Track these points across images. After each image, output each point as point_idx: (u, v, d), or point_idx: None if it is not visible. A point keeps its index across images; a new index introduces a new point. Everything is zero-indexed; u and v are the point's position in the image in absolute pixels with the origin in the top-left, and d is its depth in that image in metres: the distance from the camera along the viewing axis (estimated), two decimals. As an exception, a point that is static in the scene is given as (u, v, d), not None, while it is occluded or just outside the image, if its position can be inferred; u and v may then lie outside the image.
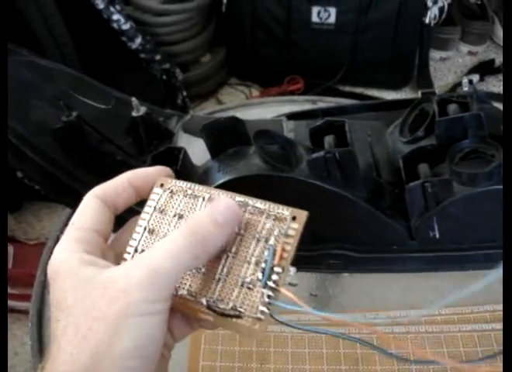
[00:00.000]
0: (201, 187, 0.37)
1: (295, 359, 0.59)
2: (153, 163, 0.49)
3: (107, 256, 0.35)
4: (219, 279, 0.34)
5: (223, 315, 0.34)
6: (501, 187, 0.56)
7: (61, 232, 0.77)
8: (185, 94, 1.55)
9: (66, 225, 0.78)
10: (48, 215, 1.48)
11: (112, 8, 1.32)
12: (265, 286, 0.33)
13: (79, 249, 0.33)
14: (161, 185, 0.38)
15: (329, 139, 0.60)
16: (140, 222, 0.37)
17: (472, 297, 0.61)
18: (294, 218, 0.34)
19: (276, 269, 0.33)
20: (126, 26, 1.35)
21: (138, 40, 1.39)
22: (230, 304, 0.34)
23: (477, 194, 0.57)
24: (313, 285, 0.66)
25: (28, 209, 1.49)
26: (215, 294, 0.34)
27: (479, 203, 0.57)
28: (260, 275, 0.33)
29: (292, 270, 0.33)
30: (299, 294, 0.64)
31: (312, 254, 0.64)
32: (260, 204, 0.35)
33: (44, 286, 0.72)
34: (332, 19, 1.61)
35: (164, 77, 1.49)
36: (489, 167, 0.57)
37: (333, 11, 1.60)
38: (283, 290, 0.33)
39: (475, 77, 1.74)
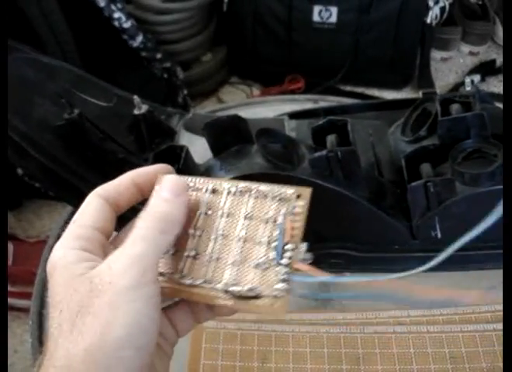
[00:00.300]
0: (201, 179, 0.38)
1: (297, 358, 0.59)
2: (156, 161, 0.48)
3: (109, 254, 0.35)
4: (234, 263, 0.35)
5: (241, 297, 0.34)
6: (503, 187, 0.55)
7: (62, 229, 0.77)
8: (185, 92, 1.55)
9: (67, 223, 0.77)
10: (48, 213, 1.48)
11: (113, 6, 1.32)
12: (280, 264, 0.33)
13: (78, 246, 0.34)
14: None
15: (331, 139, 0.60)
16: None
17: (473, 297, 0.61)
18: (299, 196, 0.35)
19: (288, 246, 0.34)
20: (127, 24, 1.35)
21: (139, 39, 1.39)
22: (248, 286, 0.34)
23: (479, 194, 0.57)
24: (315, 284, 0.66)
25: (28, 207, 1.49)
26: (230, 278, 0.34)
27: (482, 203, 0.56)
28: (273, 254, 0.34)
29: (304, 245, 0.34)
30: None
31: (313, 253, 0.64)
32: (263, 187, 0.36)
33: (45, 284, 0.71)
34: (333, 19, 1.61)
35: (165, 75, 1.49)
36: (491, 166, 0.57)
37: (334, 10, 1.60)
38: (298, 264, 0.33)
39: (476, 78, 1.74)
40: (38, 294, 0.70)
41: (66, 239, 0.34)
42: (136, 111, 0.66)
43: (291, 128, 0.73)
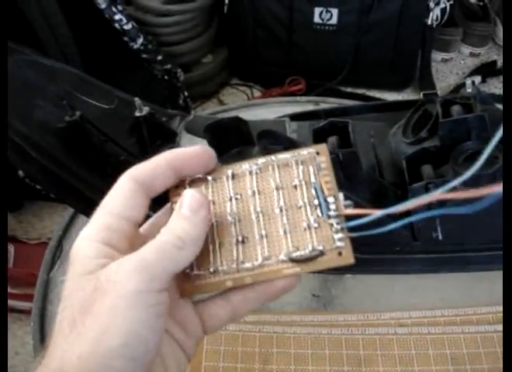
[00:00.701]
0: (219, 168, 0.38)
1: (298, 359, 0.59)
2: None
3: (135, 246, 0.34)
4: (284, 233, 0.35)
5: (307, 260, 0.34)
6: (505, 188, 0.55)
7: (64, 231, 0.77)
8: (186, 94, 1.55)
9: (69, 224, 0.78)
10: (49, 215, 1.48)
11: (114, 8, 1.32)
12: (329, 217, 0.35)
13: (100, 238, 0.33)
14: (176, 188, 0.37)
15: (332, 140, 0.60)
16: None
17: (475, 299, 0.61)
18: (318, 153, 0.37)
19: (330, 199, 0.35)
20: (127, 26, 1.35)
21: (140, 40, 1.39)
22: (309, 247, 0.34)
23: (480, 195, 0.57)
24: (316, 286, 0.66)
25: (29, 209, 1.49)
26: (288, 247, 0.35)
27: (483, 204, 0.57)
28: (319, 211, 0.35)
29: (341, 194, 0.35)
30: (302, 295, 0.65)
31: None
32: (281, 156, 0.37)
33: (47, 285, 0.72)
34: (334, 20, 1.61)
35: (166, 77, 1.48)
36: (492, 168, 0.57)
37: (335, 12, 1.60)
38: (346, 211, 0.35)
39: (477, 79, 1.73)
40: (40, 295, 0.70)
41: (91, 229, 0.33)
42: (137, 113, 0.66)
43: (292, 130, 0.73)
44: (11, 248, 1.30)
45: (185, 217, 0.34)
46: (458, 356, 0.58)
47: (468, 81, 0.67)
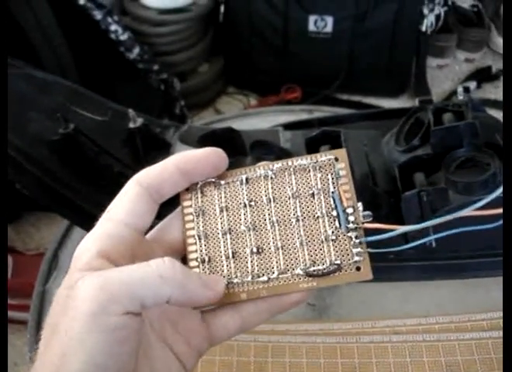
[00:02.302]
0: (232, 173, 0.36)
1: (293, 368, 0.59)
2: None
3: (139, 254, 0.32)
4: (301, 244, 0.34)
5: (324, 275, 0.33)
6: (496, 195, 0.56)
7: (60, 242, 0.77)
8: (182, 103, 1.55)
9: (65, 236, 0.78)
10: (47, 226, 1.48)
11: (109, 19, 1.32)
12: (348, 230, 0.33)
13: (96, 246, 0.31)
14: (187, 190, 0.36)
15: (324, 149, 0.60)
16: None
17: (469, 305, 0.61)
18: (337, 159, 0.35)
19: (348, 210, 0.34)
20: (123, 37, 1.36)
21: (136, 50, 1.39)
22: (327, 262, 0.33)
23: (473, 202, 0.58)
24: (311, 295, 0.66)
25: (27, 219, 1.49)
26: (305, 260, 0.34)
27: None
28: (337, 223, 0.34)
29: (360, 204, 0.34)
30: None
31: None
32: (299, 161, 0.35)
33: (42, 296, 0.72)
34: (329, 28, 1.62)
35: (162, 86, 1.49)
36: (484, 175, 0.57)
37: (329, 19, 1.61)
38: (366, 225, 0.34)
39: (473, 84, 1.74)
40: (36, 306, 0.70)
41: (94, 235, 0.32)
42: (131, 125, 0.66)
43: (286, 139, 0.74)
44: (9, 259, 1.30)
45: (192, 275, 0.31)
46: (453, 363, 0.58)
47: (460, 88, 0.67)
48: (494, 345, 0.59)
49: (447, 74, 1.86)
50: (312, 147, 0.62)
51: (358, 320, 0.63)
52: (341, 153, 0.35)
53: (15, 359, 1.24)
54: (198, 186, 0.36)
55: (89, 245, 0.31)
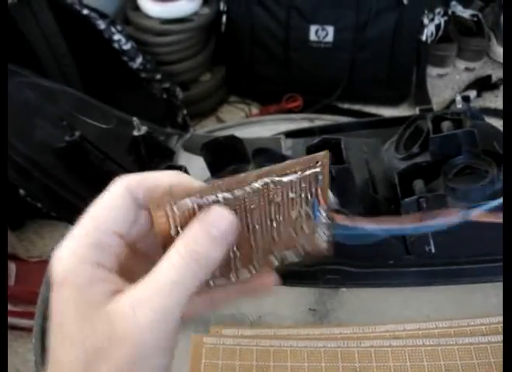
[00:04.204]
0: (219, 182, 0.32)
1: (295, 373, 0.60)
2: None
3: (124, 268, 0.31)
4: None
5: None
6: (494, 202, 0.57)
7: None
8: (185, 112, 1.56)
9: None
10: (50, 233, 1.49)
11: (113, 29, 1.34)
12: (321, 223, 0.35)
13: (92, 257, 0.29)
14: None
15: (325, 156, 0.61)
16: None
17: (468, 310, 0.62)
18: (317, 163, 0.35)
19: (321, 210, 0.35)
20: (127, 46, 1.37)
21: (139, 60, 1.41)
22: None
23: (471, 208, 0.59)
24: (312, 300, 0.67)
25: (30, 227, 1.50)
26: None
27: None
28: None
29: (331, 196, 0.36)
30: (298, 309, 0.66)
31: (309, 269, 0.66)
32: (285, 178, 0.33)
33: (47, 302, 0.72)
34: (330, 38, 1.63)
35: (165, 96, 1.50)
36: (482, 182, 0.58)
37: (330, 29, 1.62)
38: (338, 220, 0.36)
39: (473, 93, 1.75)
40: (41, 312, 0.71)
41: (80, 247, 0.30)
42: (135, 133, 0.67)
43: (287, 147, 0.75)
44: (12, 266, 1.30)
45: (215, 238, 0.30)
46: (452, 368, 0.59)
47: (458, 97, 0.68)
48: (493, 349, 0.60)
49: (447, 83, 1.87)
50: (313, 155, 0.63)
51: (358, 325, 0.63)
52: (324, 157, 0.35)
53: (18, 366, 1.24)
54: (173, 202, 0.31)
55: (80, 254, 0.30)
